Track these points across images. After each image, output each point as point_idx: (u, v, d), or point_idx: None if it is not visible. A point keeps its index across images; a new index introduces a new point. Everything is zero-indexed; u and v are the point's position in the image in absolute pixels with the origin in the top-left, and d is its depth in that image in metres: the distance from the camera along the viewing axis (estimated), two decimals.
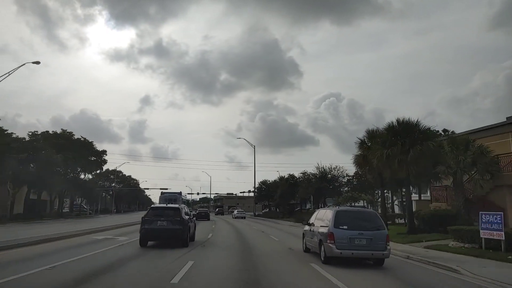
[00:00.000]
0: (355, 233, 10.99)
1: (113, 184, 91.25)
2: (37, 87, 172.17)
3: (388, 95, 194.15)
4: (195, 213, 57.81)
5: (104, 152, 61.46)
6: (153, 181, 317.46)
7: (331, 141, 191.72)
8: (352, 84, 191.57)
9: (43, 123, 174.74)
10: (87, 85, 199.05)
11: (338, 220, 11.25)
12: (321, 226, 12.02)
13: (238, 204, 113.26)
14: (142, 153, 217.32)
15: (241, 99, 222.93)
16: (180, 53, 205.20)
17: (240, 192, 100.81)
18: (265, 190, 77.97)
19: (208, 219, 48.07)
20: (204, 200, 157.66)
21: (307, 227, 13.98)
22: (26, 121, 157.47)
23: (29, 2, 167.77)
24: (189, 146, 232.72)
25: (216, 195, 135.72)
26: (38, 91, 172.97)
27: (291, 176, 66.20)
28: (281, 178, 68.90)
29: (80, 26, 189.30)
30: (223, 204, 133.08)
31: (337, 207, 12.83)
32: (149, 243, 15.24)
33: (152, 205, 17.06)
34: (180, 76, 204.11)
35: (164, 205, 17.20)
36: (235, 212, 65.65)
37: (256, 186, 78.62)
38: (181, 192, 38.23)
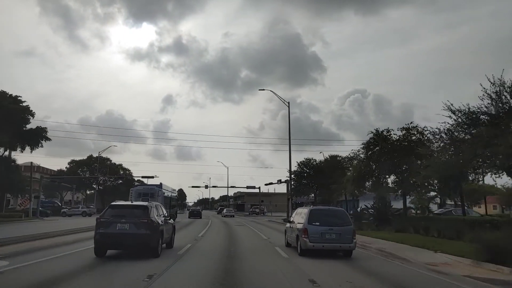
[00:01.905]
0: (326, 229, 12.70)
1: (97, 175, 67.92)
2: (68, 90, 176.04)
3: (417, 91, 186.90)
4: (189, 211, 63.06)
5: (43, 129, 40.67)
6: (177, 180, 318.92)
7: (357, 139, 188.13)
8: (378, 79, 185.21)
9: (71, 124, 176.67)
10: (113, 86, 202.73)
11: (311, 217, 12.99)
12: (298, 223, 13.75)
13: (262, 201, 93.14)
14: (167, 153, 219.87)
15: (262, 96, 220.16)
16: (199, 50, 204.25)
17: (266, 184, 69.62)
18: (308, 176, 47.54)
19: (200, 217, 52.68)
20: (224, 198, 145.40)
21: (288, 224, 15.67)
22: (55, 122, 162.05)
23: (51, 3, 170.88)
24: (212, 145, 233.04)
25: (233, 187, 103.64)
26: (69, 94, 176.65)
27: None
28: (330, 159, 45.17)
29: (101, 25, 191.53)
30: (244, 202, 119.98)
31: (311, 206, 14.54)
32: (109, 252, 11.76)
33: (112, 203, 12.64)
34: (201, 74, 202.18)
35: (127, 202, 13.49)
36: (224, 210, 73.79)
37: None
38: (161, 184, 30.63)
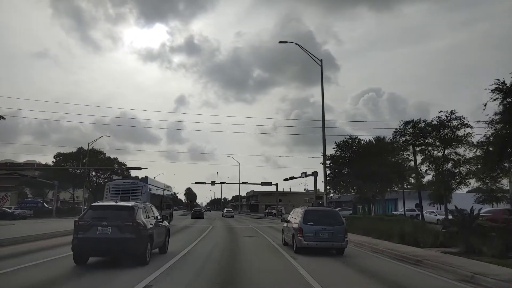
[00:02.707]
0: (319, 228, 13.58)
1: (86, 168, 57.12)
2: (83, 92, 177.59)
3: (434, 89, 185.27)
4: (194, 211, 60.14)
5: None
6: (189, 180, 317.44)
7: (371, 138, 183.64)
8: (393, 78, 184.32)
9: (86, 125, 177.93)
10: (126, 88, 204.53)
11: (306, 217, 13.87)
12: (294, 222, 14.63)
13: (280, 201, 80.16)
14: (180, 153, 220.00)
15: (275, 95, 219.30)
16: (211, 50, 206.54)
17: (286, 179, 54.35)
18: (350, 163, 30.91)
19: (203, 218, 54.33)
20: (237, 198, 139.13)
21: (285, 224, 16.56)
22: (70, 123, 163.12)
23: (63, 4, 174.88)
24: (224, 145, 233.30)
25: (245, 183, 78.77)
26: (84, 96, 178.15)
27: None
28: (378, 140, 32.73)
29: (112, 26, 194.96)
30: (258, 202, 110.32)
31: (306, 207, 15.46)
32: (92, 259, 10.46)
33: (94, 203, 11.49)
34: (213, 74, 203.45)
35: (111, 202, 11.63)
36: (224, 210, 75.57)
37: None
38: (146, 178, 24.85)
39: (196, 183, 68.03)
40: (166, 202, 32.88)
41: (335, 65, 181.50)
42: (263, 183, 67.04)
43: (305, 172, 42.05)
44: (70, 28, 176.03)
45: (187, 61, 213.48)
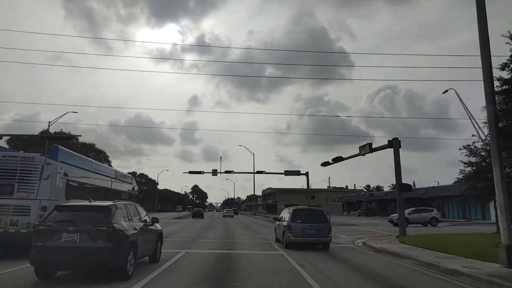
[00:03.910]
0: (306, 225, 15.05)
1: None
2: (97, 94, 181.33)
3: (452, 86, 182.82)
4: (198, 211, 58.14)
5: None
6: (205, 182, 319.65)
7: (388, 136, 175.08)
8: (410, 75, 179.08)
9: (102, 127, 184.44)
10: (140, 89, 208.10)
11: (294, 215, 15.38)
12: (284, 220, 16.12)
13: (313, 198, 51.99)
14: (194, 154, 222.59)
15: (288, 94, 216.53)
16: (223, 49, 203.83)
17: (325, 164, 32.46)
18: None
19: (203, 217, 54.98)
20: (251, 198, 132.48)
21: (277, 223, 18.02)
22: (86, 126, 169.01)
23: (76, 5, 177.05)
24: (238, 146, 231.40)
25: (260, 172, 53.29)
26: (99, 98, 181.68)
27: None
28: None
29: (124, 26, 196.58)
30: (276, 201, 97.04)
31: (294, 206, 16.93)
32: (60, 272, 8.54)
33: (60, 203, 9.41)
34: (224, 73, 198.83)
35: (82, 202, 9.21)
36: (224, 210, 76.73)
37: None
38: (56, 148, 13.19)
39: (190, 172, 50.50)
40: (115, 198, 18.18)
41: (349, 62, 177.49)
42: (287, 172, 50.22)
43: (369, 144, 22.75)
44: (82, 30, 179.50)
45: (199, 61, 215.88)
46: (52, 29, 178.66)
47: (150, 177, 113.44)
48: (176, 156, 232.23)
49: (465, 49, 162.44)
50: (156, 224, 11.11)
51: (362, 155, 24.04)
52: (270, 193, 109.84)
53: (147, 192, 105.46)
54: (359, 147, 24.40)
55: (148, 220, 10.57)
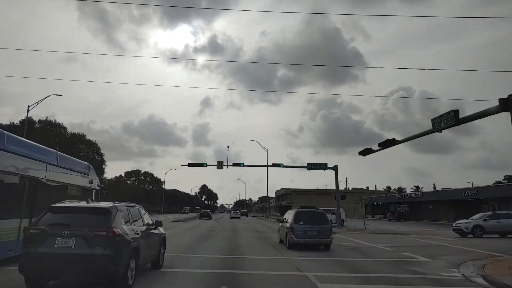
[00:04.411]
0: (308, 227, 15.67)
1: None
2: (113, 96, 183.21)
3: (468, 87, 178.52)
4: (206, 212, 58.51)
5: None
6: (217, 183, 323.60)
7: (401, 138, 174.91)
8: (424, 76, 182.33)
9: (115, 128, 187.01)
10: (152, 91, 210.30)
11: (297, 218, 16.00)
12: (287, 222, 16.76)
13: (344, 197, 42.79)
14: (206, 156, 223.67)
15: (301, 96, 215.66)
16: (235, 50, 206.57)
17: (364, 152, 26.07)
18: None
19: (210, 218, 56.41)
20: (264, 199, 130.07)
21: (281, 224, 18.65)
22: (100, 127, 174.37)
23: (89, 6, 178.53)
24: (250, 147, 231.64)
25: (276, 165, 42.45)
26: (117, 101, 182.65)
27: None
28: None
29: (137, 27, 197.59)
30: (292, 202, 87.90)
31: (297, 209, 17.55)
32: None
33: (55, 204, 8.25)
34: (237, 74, 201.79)
35: (79, 203, 8.63)
36: (232, 212, 77.72)
37: None
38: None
39: (188, 164, 43.93)
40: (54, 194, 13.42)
41: (363, 63, 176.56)
42: (311, 166, 38.95)
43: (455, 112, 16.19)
44: (96, 31, 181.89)
45: (211, 62, 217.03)
46: (66, 31, 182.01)
47: (156, 176, 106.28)
48: (188, 157, 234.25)
49: (482, 49, 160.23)
50: (159, 227, 10.45)
51: (438, 131, 17.08)
52: (284, 193, 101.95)
53: (152, 192, 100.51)
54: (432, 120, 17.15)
55: (151, 223, 9.93)
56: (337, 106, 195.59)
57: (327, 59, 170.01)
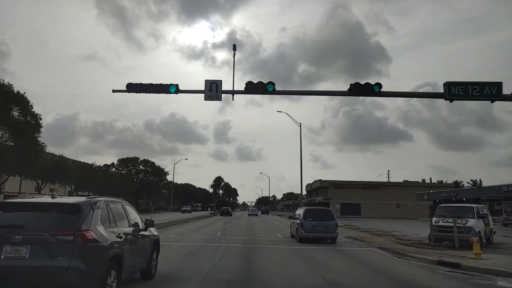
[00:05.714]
0: (316, 223, 17.54)
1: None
2: (138, 96, 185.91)
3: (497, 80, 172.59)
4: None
5: None
6: (239, 181, 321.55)
7: (427, 136, 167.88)
8: (451, 71, 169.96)
9: (137, 126, 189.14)
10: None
11: (306, 215, 17.90)
12: (297, 218, 18.67)
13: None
14: (228, 154, 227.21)
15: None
16: (254, 45, 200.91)
17: None
18: None
19: (230, 215, 58.92)
20: (289, 196, 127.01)
21: (292, 220, 20.56)
22: (123, 125, 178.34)
23: (108, 3, 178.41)
24: (272, 145, 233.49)
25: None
26: (140, 99, 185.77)
27: None
28: None
29: (155, 24, 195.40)
30: (329, 199, 69.70)
31: (306, 207, 19.40)
32: None
33: (7, 199, 7.04)
34: (256, 71, 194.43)
35: (39, 198, 7.02)
36: (249, 210, 78.78)
37: None
38: None
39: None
40: None
41: (386, 57, 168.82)
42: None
43: None
44: (115, 28, 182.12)
45: (231, 58, 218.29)
46: (86, 28, 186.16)
47: (157, 165, 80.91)
48: (210, 154, 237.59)
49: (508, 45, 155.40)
50: (150, 228, 8.39)
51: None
52: (319, 187, 77.47)
53: (153, 184, 78.85)
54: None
55: (140, 224, 7.93)
56: (360, 103, 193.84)
57: (349, 53, 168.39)
